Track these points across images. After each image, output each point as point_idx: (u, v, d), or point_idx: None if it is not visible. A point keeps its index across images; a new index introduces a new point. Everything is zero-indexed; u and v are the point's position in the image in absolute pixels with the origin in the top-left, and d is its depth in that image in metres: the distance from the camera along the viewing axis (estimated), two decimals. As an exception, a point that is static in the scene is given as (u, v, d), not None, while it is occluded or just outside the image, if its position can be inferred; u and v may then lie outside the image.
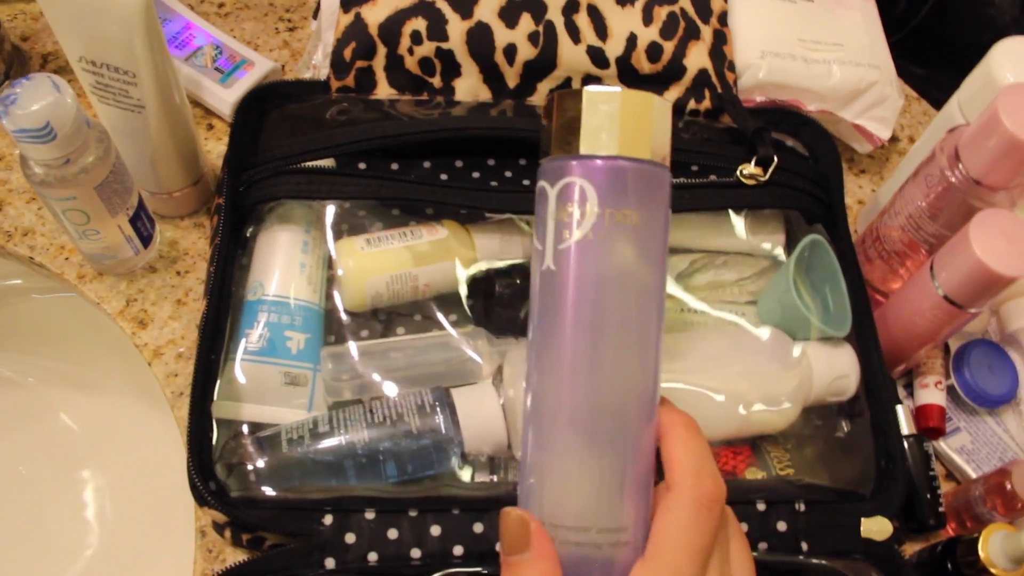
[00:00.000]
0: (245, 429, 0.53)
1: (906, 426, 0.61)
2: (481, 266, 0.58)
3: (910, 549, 0.61)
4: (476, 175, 0.59)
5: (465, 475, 0.52)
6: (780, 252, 0.61)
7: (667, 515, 0.39)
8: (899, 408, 0.61)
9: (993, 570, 0.54)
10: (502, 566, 0.40)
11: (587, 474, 0.40)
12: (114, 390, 0.77)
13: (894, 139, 0.79)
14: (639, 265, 0.40)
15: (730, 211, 0.60)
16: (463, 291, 0.58)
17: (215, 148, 0.70)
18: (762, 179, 0.58)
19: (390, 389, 0.53)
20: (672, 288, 0.59)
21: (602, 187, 0.40)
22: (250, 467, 0.51)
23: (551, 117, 0.41)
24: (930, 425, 0.64)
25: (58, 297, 0.75)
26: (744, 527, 0.51)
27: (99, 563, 0.73)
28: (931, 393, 0.65)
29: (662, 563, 0.38)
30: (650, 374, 0.41)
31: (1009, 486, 0.57)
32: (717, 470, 0.40)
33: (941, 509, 0.60)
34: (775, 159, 0.58)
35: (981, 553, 0.54)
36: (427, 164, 0.59)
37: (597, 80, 0.63)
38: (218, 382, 0.53)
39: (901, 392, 0.66)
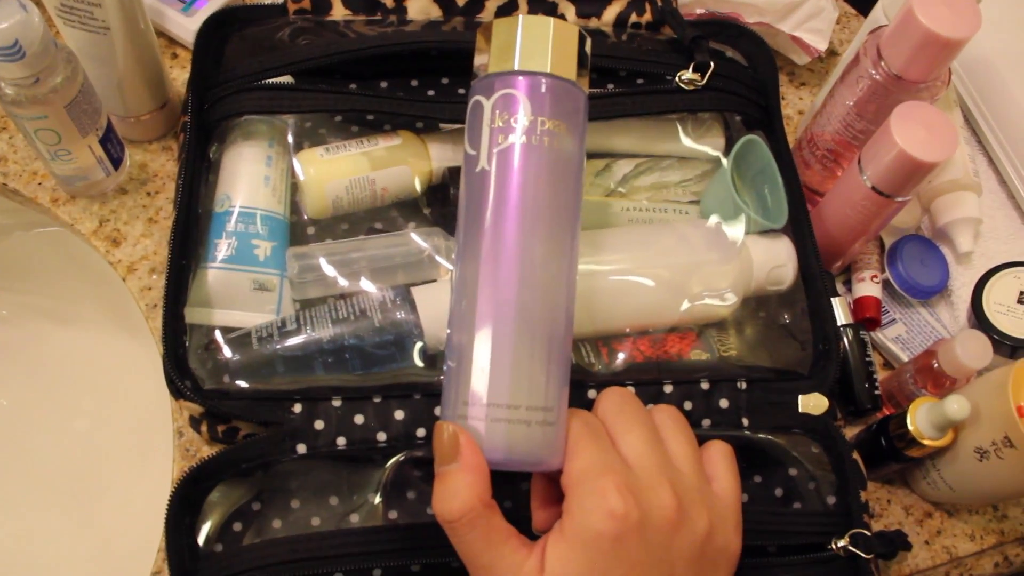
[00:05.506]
0: (217, 333, 0.55)
1: (844, 317, 0.65)
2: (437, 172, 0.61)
3: (850, 433, 0.65)
4: (431, 93, 0.62)
5: (426, 365, 0.55)
6: (721, 156, 0.64)
7: (555, 549, 0.42)
8: (836, 300, 0.64)
9: (922, 440, 0.58)
10: (435, 476, 0.43)
11: (519, 354, 0.44)
12: (90, 320, 0.80)
13: (833, 53, 0.83)
14: (563, 168, 0.47)
15: (674, 118, 0.64)
16: (421, 200, 0.61)
17: (180, 76, 0.73)
18: (700, 84, 0.61)
19: (353, 287, 0.56)
20: (619, 187, 0.62)
21: (535, 98, 0.46)
22: (222, 363, 0.53)
23: (488, 39, 0.48)
24: (867, 316, 0.68)
25: (33, 234, 0.78)
26: (688, 405, 0.55)
27: (84, 479, 0.75)
28: (867, 286, 0.68)
29: None
30: (569, 268, 0.47)
31: (936, 364, 0.61)
32: (619, 470, 0.43)
33: (877, 393, 0.64)
34: (712, 65, 0.61)
35: (910, 426, 0.58)
36: (384, 84, 0.62)
37: (543, -2, 0.66)
38: (190, 290, 0.56)
39: (841, 289, 0.70)
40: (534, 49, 0.47)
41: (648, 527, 0.42)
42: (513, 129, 0.46)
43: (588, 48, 0.49)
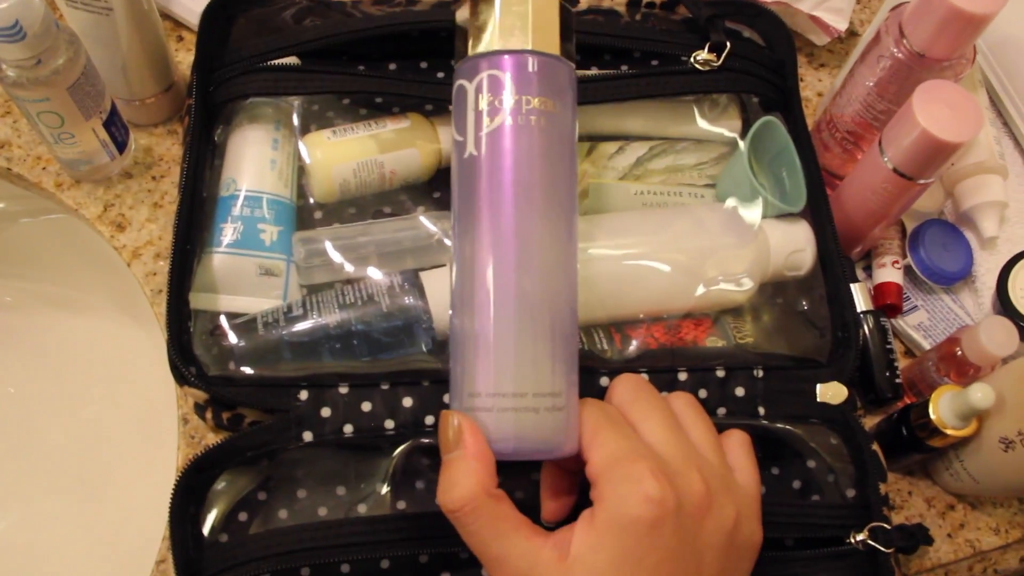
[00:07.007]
0: (223, 319, 0.55)
1: (864, 304, 0.63)
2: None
3: (870, 422, 0.64)
4: (440, 75, 0.61)
5: (434, 351, 0.54)
6: (738, 138, 0.63)
7: (586, 537, 0.41)
8: (856, 286, 0.63)
9: (944, 429, 0.56)
10: (441, 464, 0.42)
11: (523, 341, 0.43)
12: (94, 306, 0.79)
13: (854, 33, 0.81)
14: (553, 147, 0.45)
15: (690, 100, 0.62)
16: (430, 183, 0.60)
17: (185, 59, 0.72)
18: (716, 65, 0.60)
19: (361, 272, 0.55)
20: (632, 170, 0.61)
21: (518, 77, 0.45)
22: (228, 349, 0.53)
23: (466, 20, 0.46)
24: (888, 302, 0.66)
25: (38, 220, 0.77)
26: (703, 393, 0.53)
27: (88, 466, 0.75)
28: (888, 272, 0.67)
29: None
30: (568, 248, 0.46)
31: (959, 352, 0.59)
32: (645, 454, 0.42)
33: (898, 381, 0.63)
34: (728, 45, 0.60)
35: (932, 415, 0.57)
36: (393, 66, 0.61)
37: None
38: (195, 274, 0.55)
39: (861, 274, 0.68)
40: (513, 26, 0.46)
41: (681, 513, 0.41)
42: (498, 111, 0.45)
43: (571, 20, 0.48)
